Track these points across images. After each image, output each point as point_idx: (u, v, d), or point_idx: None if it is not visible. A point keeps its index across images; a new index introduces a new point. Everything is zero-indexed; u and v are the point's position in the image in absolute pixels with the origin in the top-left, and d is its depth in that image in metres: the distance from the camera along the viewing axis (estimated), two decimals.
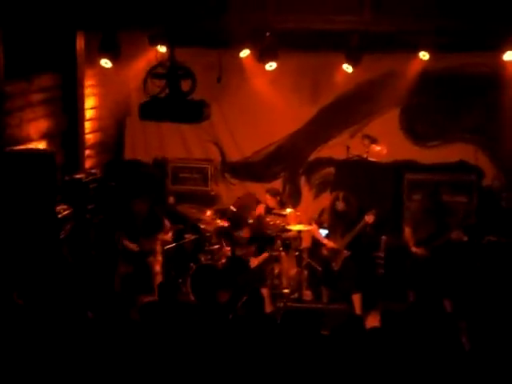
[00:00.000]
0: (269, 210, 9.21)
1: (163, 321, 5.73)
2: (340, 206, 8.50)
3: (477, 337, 5.94)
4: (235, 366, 5.22)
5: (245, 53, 9.39)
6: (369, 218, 8.43)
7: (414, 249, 8.44)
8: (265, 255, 8.88)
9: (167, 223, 9.05)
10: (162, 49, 8.97)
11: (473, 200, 9.04)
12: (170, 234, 9.08)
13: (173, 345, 5.40)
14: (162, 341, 5.45)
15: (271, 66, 9.20)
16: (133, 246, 8.73)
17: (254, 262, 8.77)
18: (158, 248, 8.94)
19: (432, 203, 8.44)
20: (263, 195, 9.42)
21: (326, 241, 8.66)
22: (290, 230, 9.05)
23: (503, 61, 8.71)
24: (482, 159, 9.64)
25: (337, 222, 8.58)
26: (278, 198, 9.40)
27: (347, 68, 9.10)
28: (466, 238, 8.65)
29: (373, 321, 7.57)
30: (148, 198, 8.92)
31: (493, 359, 5.21)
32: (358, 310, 8.37)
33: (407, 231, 8.56)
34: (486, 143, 9.72)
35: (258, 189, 9.68)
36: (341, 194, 8.56)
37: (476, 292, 8.17)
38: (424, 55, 8.91)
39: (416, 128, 10.04)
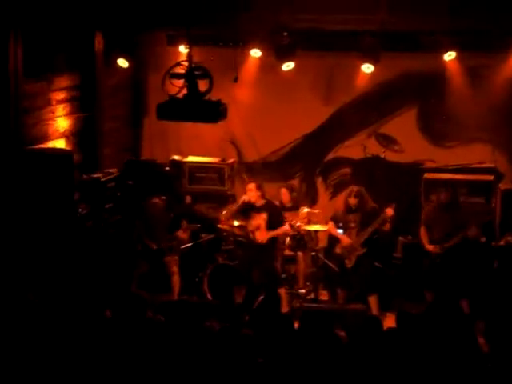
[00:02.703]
0: (283, 208, 9.20)
1: (181, 320, 5.74)
2: (352, 201, 8.50)
3: (495, 338, 5.91)
4: (251, 366, 5.22)
5: (256, 52, 9.38)
6: (389, 211, 8.41)
7: (427, 246, 8.41)
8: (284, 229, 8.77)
9: (184, 222, 9.08)
10: (185, 50, 8.99)
11: (490, 201, 8.98)
12: (187, 233, 9.12)
13: (189, 344, 5.41)
14: (179, 340, 5.46)
15: (288, 65, 9.21)
16: (151, 244, 8.78)
17: (263, 236, 8.65)
18: (176, 247, 8.98)
19: (448, 202, 8.41)
20: (278, 190, 9.42)
21: (341, 236, 8.65)
22: (304, 230, 9.06)
23: None
24: (500, 160, 9.58)
25: (351, 217, 8.58)
26: (294, 194, 9.41)
27: (368, 68, 9.07)
28: (483, 239, 8.60)
29: (390, 322, 7.54)
30: (165, 196, 8.96)
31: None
32: (374, 310, 8.35)
33: (423, 230, 8.54)
34: (504, 144, 9.66)
35: (274, 189, 9.67)
36: (354, 190, 8.57)
37: (494, 293, 8.12)
38: (450, 55, 8.87)
39: (434, 128, 9.99)
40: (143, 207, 8.95)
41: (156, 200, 8.88)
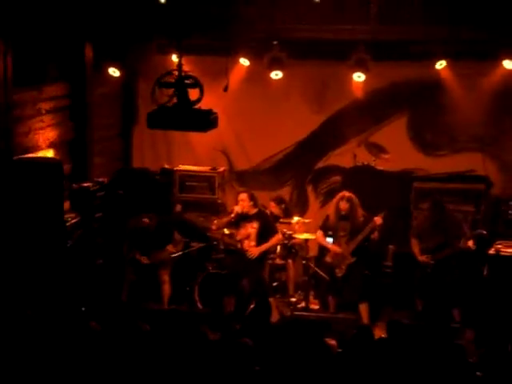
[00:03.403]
0: (276, 218, 9.21)
1: (171, 330, 5.72)
2: (343, 205, 8.49)
3: (485, 347, 5.92)
4: (242, 375, 5.21)
5: (245, 61, 9.41)
6: (378, 220, 8.41)
7: (420, 257, 8.42)
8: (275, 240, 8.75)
9: (177, 236, 9.06)
10: (176, 59, 9.00)
11: (480, 209, 9.00)
12: (179, 247, 9.10)
13: (180, 354, 5.39)
14: (170, 350, 5.44)
15: (277, 74, 9.25)
16: (143, 259, 8.76)
17: (253, 248, 8.63)
18: (167, 261, 8.96)
19: (437, 213, 8.43)
20: (268, 202, 9.43)
21: (331, 246, 8.64)
22: (294, 238, 9.05)
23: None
24: (490, 168, 9.62)
25: (341, 225, 8.58)
26: (283, 206, 9.41)
27: (359, 77, 9.09)
28: (474, 247, 8.61)
29: (380, 331, 7.54)
30: (156, 212, 8.92)
31: (501, 370, 5.18)
32: (365, 319, 8.35)
33: (414, 242, 8.54)
34: (495, 152, 9.70)
35: (265, 197, 9.67)
36: (346, 195, 8.56)
37: (484, 301, 8.12)
38: (441, 64, 8.91)
39: (424, 137, 10.01)
40: (133, 223, 8.90)
41: (145, 219, 8.82)
